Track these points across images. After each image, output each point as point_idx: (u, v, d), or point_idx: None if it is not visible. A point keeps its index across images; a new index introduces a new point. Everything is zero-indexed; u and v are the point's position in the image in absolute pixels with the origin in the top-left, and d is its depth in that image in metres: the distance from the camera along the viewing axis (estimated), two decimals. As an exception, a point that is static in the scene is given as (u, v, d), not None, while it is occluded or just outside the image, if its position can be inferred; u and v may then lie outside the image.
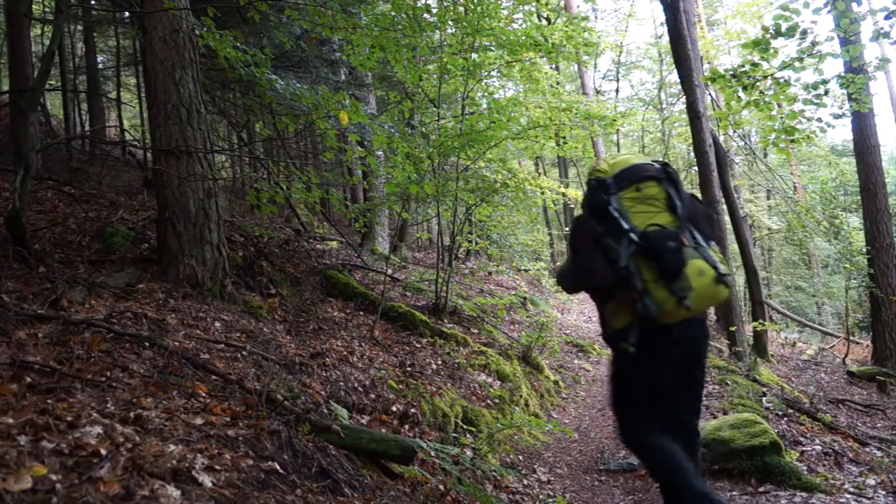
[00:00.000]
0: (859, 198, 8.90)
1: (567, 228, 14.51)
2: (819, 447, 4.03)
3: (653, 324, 2.39)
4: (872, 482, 3.40)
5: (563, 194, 10.96)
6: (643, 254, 2.42)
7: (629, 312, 2.41)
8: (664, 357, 2.47)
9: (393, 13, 5.53)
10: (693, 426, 2.57)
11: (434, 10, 6.20)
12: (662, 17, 10.11)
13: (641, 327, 2.43)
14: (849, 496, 3.06)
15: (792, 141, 4.96)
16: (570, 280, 2.65)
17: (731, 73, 4.66)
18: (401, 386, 3.78)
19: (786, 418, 4.63)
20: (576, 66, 17.95)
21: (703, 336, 2.56)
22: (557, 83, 11.88)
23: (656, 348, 2.45)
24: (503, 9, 6.38)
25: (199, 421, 2.01)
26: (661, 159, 2.73)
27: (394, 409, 3.41)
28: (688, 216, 2.51)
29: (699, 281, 2.34)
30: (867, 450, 4.43)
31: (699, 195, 6.68)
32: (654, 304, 2.37)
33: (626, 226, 2.46)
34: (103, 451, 1.53)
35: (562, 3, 15.84)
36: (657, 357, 2.47)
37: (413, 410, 3.48)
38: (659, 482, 2.55)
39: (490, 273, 11.20)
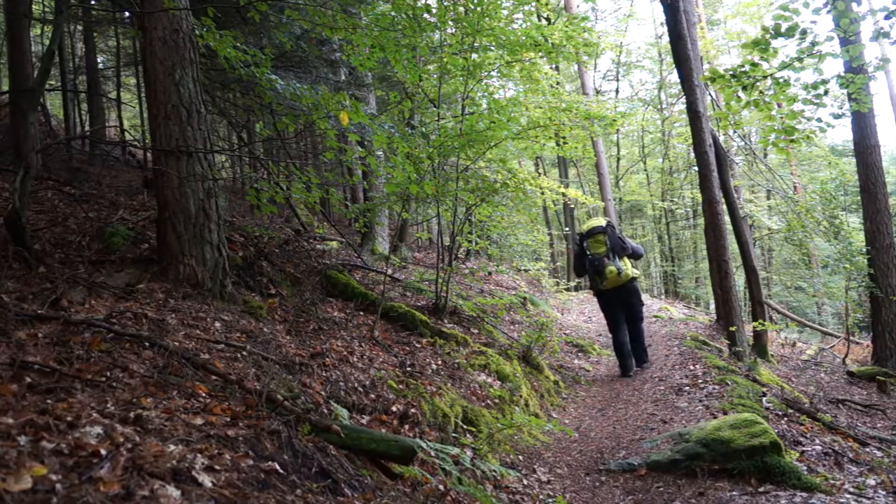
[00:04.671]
0: (859, 198, 8.88)
1: (566, 228, 16.76)
2: (819, 447, 4.03)
3: (603, 289, 6.21)
4: (872, 482, 3.40)
5: (563, 194, 10.94)
6: (591, 264, 6.18)
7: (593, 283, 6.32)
8: (612, 301, 6.33)
9: (393, 13, 5.53)
10: (634, 326, 6.36)
11: (434, 10, 6.19)
12: (662, 17, 10.12)
13: (599, 289, 6.25)
14: (849, 496, 3.05)
15: (792, 141, 4.96)
16: (573, 268, 8.05)
17: (731, 73, 4.65)
18: (401, 386, 3.78)
19: (786, 418, 4.63)
20: (576, 66, 17.94)
21: (628, 292, 6.23)
22: (557, 83, 11.87)
23: (608, 298, 6.34)
24: (503, 9, 6.36)
25: (199, 421, 2.01)
26: (608, 220, 6.41)
27: (394, 409, 3.40)
28: (612, 247, 6.09)
29: (610, 275, 6.06)
30: (867, 450, 4.42)
31: (702, 194, 8.76)
32: (594, 284, 6.28)
33: (588, 253, 6.20)
34: (103, 451, 1.53)
35: (562, 3, 15.85)
36: (609, 301, 6.36)
37: (413, 410, 3.48)
38: (615, 353, 6.53)
39: (490, 273, 11.20)
